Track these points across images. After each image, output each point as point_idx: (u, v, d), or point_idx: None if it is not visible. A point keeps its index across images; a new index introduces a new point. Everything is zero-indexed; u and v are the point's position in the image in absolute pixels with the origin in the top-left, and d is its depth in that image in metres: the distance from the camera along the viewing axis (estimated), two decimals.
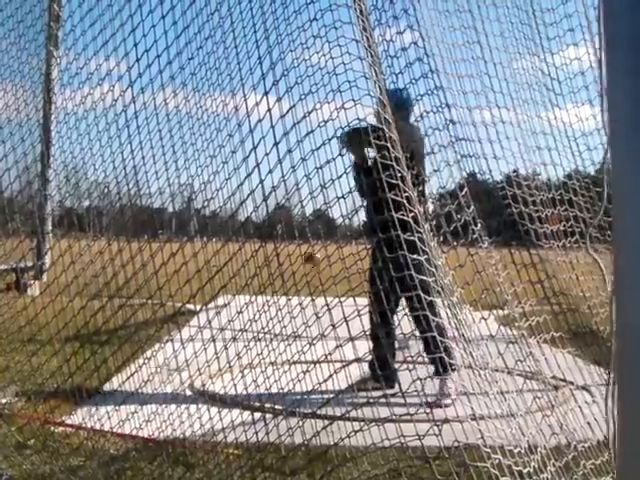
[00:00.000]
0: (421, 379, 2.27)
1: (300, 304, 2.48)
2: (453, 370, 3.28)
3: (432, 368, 3.16)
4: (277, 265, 2.47)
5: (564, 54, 3.12)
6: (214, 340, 2.70)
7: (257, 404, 3.08)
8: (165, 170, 2.84)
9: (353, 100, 2.34)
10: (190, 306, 3.05)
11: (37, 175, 3.74)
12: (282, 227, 3.00)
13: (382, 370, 3.26)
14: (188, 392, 3.58)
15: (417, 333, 2.49)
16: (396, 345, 3.48)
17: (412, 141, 3.03)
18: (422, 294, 2.29)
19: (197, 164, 2.77)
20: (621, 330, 1.10)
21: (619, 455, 1.11)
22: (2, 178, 3.68)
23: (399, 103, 3.10)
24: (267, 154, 2.26)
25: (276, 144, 2.25)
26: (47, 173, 3.92)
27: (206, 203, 2.71)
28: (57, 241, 3.29)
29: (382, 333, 2.90)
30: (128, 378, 2.95)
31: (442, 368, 3.25)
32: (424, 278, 2.25)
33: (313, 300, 2.40)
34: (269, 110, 2.29)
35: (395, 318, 2.76)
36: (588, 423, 2.36)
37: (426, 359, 2.75)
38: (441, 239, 2.46)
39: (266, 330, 2.67)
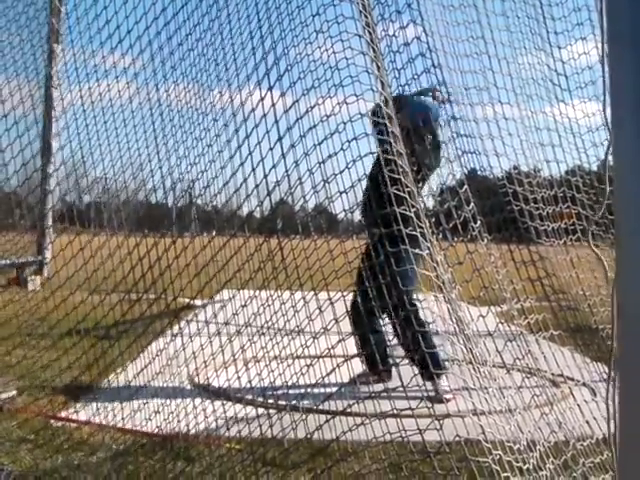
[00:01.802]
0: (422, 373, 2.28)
1: (304, 298, 2.49)
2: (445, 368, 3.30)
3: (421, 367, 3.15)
4: (281, 259, 2.48)
5: (572, 49, 3.10)
6: (220, 334, 2.71)
7: (259, 399, 3.08)
8: (177, 166, 2.86)
9: (355, 95, 2.34)
10: (187, 300, 3.06)
11: (40, 169, 3.74)
12: (283, 221, 3.01)
13: (374, 367, 3.26)
14: (190, 387, 3.59)
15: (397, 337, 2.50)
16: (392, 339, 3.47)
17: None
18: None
19: (205, 159, 2.77)
20: (621, 326, 1.10)
21: (620, 453, 1.11)
22: (3, 173, 3.68)
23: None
24: (271, 149, 2.26)
25: (280, 139, 2.25)
26: (48, 168, 3.92)
27: (214, 198, 2.72)
28: (72, 236, 3.29)
29: (368, 330, 2.92)
30: (137, 374, 2.96)
31: (434, 367, 3.26)
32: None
33: (316, 294, 2.40)
34: (273, 105, 2.30)
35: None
36: (587, 422, 2.36)
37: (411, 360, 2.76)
38: (440, 236, 2.46)
39: (268, 324, 2.68)
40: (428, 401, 2.36)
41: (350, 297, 2.39)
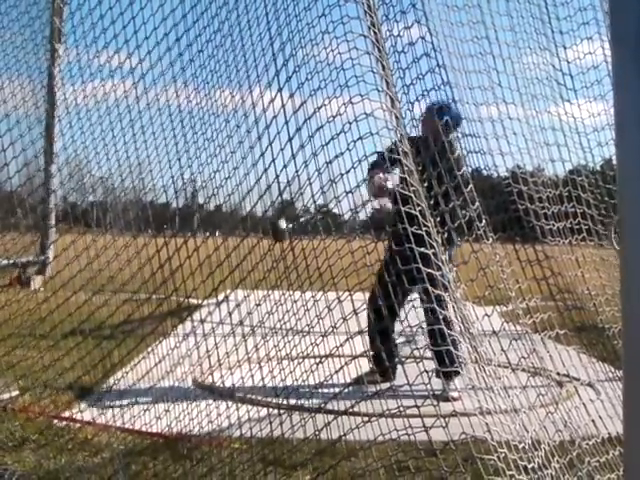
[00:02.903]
0: (428, 371, 2.28)
1: (313, 297, 2.50)
2: (459, 367, 3.32)
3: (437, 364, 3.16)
4: (285, 260, 2.49)
5: (577, 48, 3.12)
6: (234, 333, 2.71)
7: (265, 398, 3.08)
8: (188, 167, 2.88)
9: (360, 95, 2.36)
10: (193, 300, 3.06)
11: (43, 169, 3.74)
12: (291, 222, 3.02)
13: (383, 365, 3.27)
14: (195, 387, 3.59)
15: (424, 326, 2.51)
16: (401, 339, 3.49)
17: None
18: (434, 287, 2.31)
19: (218, 160, 2.79)
20: (627, 324, 1.11)
21: (626, 453, 1.11)
22: (5, 173, 3.68)
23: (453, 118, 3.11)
24: (282, 149, 2.29)
25: (290, 139, 2.28)
26: (50, 168, 3.92)
27: (227, 198, 2.74)
28: (75, 235, 3.29)
29: (391, 327, 2.93)
30: (143, 376, 2.96)
31: (449, 363, 3.29)
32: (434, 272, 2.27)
33: (325, 293, 2.41)
34: (283, 107, 2.33)
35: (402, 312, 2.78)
36: (593, 421, 2.37)
37: (431, 354, 2.76)
38: (445, 235, 2.47)
39: (278, 325, 2.69)
40: (434, 399, 2.37)
41: (360, 295, 2.39)
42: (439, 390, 3.31)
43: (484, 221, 2.47)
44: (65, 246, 3.24)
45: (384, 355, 3.15)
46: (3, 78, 3.70)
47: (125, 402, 3.05)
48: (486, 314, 2.43)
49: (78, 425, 3.06)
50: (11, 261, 4.60)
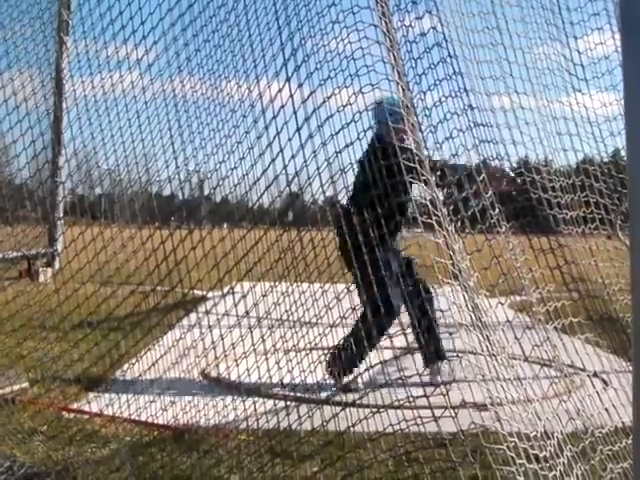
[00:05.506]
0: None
1: (321, 288, 2.49)
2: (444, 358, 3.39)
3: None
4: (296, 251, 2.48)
5: (588, 39, 3.13)
6: (248, 324, 2.70)
7: (272, 390, 3.08)
8: (194, 157, 2.88)
9: (371, 84, 2.35)
10: (198, 292, 3.05)
11: (51, 161, 3.74)
12: (299, 213, 3.01)
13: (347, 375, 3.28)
14: (203, 379, 3.58)
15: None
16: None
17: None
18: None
19: (224, 150, 2.79)
20: (637, 314, 1.10)
21: (635, 442, 1.10)
22: (14, 165, 3.68)
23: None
24: (290, 139, 2.28)
25: (298, 129, 2.27)
26: (58, 160, 3.92)
27: (233, 189, 2.73)
28: (83, 227, 3.28)
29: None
30: (150, 367, 2.95)
31: (435, 355, 3.37)
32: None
33: (333, 284, 2.40)
34: (291, 96, 2.32)
35: None
36: (606, 409, 2.36)
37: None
38: (459, 224, 2.45)
39: (285, 317, 2.68)
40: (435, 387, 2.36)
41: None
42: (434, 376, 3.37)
43: (497, 209, 2.46)
44: (73, 238, 3.23)
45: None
46: (14, 70, 3.71)
47: (132, 394, 3.05)
48: (500, 302, 2.42)
49: (86, 417, 3.05)
50: (20, 253, 4.61)
